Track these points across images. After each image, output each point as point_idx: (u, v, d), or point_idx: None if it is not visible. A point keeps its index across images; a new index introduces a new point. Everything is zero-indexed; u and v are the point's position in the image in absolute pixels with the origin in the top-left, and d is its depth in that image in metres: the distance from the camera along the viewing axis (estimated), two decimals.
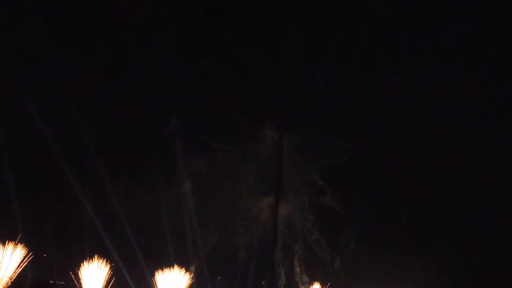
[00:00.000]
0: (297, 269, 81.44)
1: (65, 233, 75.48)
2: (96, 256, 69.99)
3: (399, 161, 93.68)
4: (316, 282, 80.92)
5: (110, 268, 70.17)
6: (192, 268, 77.24)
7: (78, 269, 70.53)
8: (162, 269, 72.08)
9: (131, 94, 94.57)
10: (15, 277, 63.29)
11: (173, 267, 72.05)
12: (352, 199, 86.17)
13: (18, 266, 62.23)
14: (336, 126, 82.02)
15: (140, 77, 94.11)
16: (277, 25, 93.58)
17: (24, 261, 62.91)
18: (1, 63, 73.30)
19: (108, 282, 71.32)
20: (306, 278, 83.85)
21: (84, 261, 70.40)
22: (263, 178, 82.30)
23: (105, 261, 70.32)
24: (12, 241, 61.17)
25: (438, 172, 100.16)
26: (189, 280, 72.97)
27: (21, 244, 61.99)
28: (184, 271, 71.87)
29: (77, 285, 71.27)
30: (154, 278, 72.82)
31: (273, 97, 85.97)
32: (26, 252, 62.62)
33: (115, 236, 72.37)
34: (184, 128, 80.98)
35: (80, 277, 70.59)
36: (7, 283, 61.75)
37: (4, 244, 61.15)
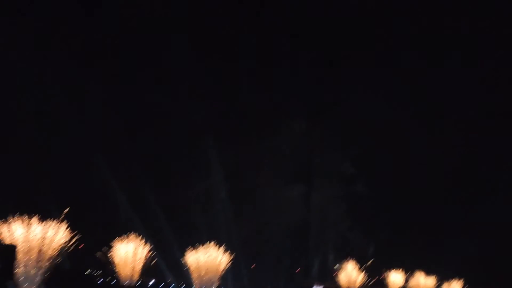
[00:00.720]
0: (331, 257, 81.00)
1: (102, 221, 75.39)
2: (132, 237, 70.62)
3: (434, 145, 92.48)
4: (351, 261, 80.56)
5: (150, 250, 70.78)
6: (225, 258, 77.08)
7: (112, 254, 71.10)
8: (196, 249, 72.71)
9: (161, 86, 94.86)
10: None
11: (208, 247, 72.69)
12: (385, 185, 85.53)
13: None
14: (366, 111, 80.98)
15: (166, 67, 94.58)
16: (303, 9, 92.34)
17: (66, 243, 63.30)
18: None
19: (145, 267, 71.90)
20: (339, 265, 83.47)
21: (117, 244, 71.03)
22: (294, 167, 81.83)
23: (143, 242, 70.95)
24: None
25: (475, 156, 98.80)
26: (227, 260, 73.35)
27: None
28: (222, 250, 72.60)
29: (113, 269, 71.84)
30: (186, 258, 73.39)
31: (302, 85, 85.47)
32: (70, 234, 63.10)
33: (150, 227, 72.43)
34: (215, 119, 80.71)
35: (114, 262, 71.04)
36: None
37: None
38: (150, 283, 77.00)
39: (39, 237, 63.23)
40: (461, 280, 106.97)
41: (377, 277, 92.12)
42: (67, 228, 65.71)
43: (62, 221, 64.57)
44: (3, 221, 61.36)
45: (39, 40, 76.25)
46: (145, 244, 71.74)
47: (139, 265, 71.85)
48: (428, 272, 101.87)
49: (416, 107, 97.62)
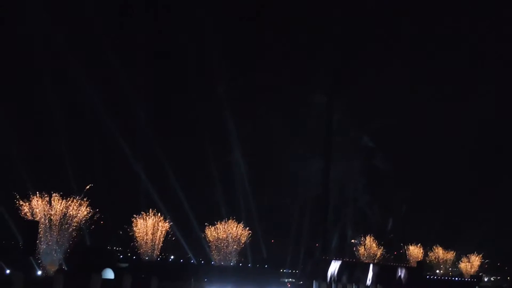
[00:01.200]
0: (349, 232, 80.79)
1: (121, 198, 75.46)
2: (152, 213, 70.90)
3: (453, 121, 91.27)
4: (369, 236, 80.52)
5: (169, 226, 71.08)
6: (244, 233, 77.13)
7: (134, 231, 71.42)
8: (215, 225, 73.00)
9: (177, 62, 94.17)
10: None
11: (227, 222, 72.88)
12: (404, 161, 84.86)
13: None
14: (385, 88, 79.85)
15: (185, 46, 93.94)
16: None
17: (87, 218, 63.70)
18: None
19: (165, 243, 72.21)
20: (358, 240, 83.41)
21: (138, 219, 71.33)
22: (314, 142, 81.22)
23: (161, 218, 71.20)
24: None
25: (494, 133, 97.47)
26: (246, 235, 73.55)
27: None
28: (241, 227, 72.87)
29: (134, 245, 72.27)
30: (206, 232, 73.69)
31: (322, 61, 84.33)
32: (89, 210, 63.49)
33: (170, 201, 72.44)
34: (234, 94, 79.98)
35: (135, 239, 71.40)
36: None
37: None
38: (170, 259, 77.19)
39: (60, 214, 63.62)
40: (480, 256, 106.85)
41: (395, 252, 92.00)
42: (88, 206, 66.16)
43: (83, 199, 65.03)
44: (25, 199, 61.92)
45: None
46: (165, 221, 72.04)
47: (159, 242, 72.21)
48: (446, 247, 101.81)
49: (437, 85, 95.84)
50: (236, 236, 73.46)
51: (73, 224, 64.92)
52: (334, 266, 69.85)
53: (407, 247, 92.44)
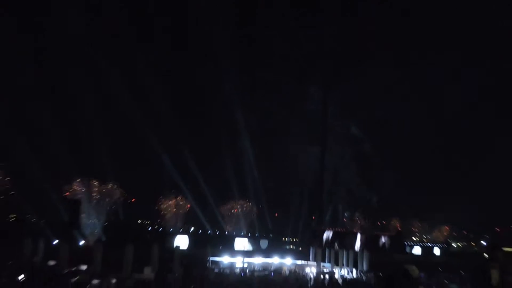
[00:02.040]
0: (340, 207, 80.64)
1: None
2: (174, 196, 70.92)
3: (429, 113, 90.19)
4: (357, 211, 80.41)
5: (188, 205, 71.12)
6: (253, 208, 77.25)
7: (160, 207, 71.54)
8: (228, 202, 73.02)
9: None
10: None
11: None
12: (387, 148, 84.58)
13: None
14: (374, 86, 78.88)
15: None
16: None
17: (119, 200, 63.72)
18: None
19: (184, 216, 72.35)
20: (346, 214, 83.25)
21: (164, 200, 71.41)
22: (312, 132, 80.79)
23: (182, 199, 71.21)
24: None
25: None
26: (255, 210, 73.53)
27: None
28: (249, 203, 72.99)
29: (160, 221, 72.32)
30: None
31: (319, 59, 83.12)
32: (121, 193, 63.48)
33: (191, 182, 72.40)
34: (238, 90, 79.20)
35: (162, 214, 71.47)
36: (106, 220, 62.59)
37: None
38: (191, 230, 77.23)
39: (98, 194, 63.77)
40: (448, 226, 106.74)
41: (379, 223, 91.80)
42: (121, 187, 66.31)
43: (117, 181, 65.25)
44: (70, 182, 62.20)
45: None
46: (186, 199, 72.17)
47: (181, 216, 72.31)
48: (421, 219, 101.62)
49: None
50: (245, 210, 73.62)
51: (109, 202, 65.07)
52: (327, 235, 69.75)
53: (388, 219, 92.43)
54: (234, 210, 74.07)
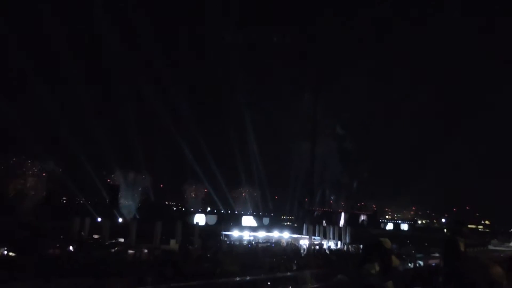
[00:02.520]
0: (327, 192, 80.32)
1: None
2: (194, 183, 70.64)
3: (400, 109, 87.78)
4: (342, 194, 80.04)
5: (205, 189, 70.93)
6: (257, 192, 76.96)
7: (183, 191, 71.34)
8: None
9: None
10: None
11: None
12: (365, 142, 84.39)
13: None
14: (355, 89, 77.52)
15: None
16: None
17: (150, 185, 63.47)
18: None
19: (202, 199, 72.15)
20: (332, 197, 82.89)
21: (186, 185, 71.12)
22: (304, 128, 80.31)
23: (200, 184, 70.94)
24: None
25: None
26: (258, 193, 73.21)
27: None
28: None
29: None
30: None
31: (309, 66, 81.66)
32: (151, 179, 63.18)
33: (207, 170, 71.91)
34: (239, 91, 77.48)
35: (184, 196, 71.29)
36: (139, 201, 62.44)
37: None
38: (208, 210, 77.08)
39: (132, 180, 63.51)
40: (414, 206, 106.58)
41: (359, 204, 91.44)
42: (151, 174, 66.14)
43: (148, 170, 65.09)
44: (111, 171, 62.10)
45: None
46: (204, 183, 71.89)
47: (199, 198, 72.17)
48: (393, 200, 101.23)
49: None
50: (251, 194, 73.40)
51: (141, 187, 64.85)
52: (317, 214, 69.54)
53: (366, 200, 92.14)
54: (243, 194, 73.91)
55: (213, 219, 59.66)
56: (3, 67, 59.19)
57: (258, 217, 69.09)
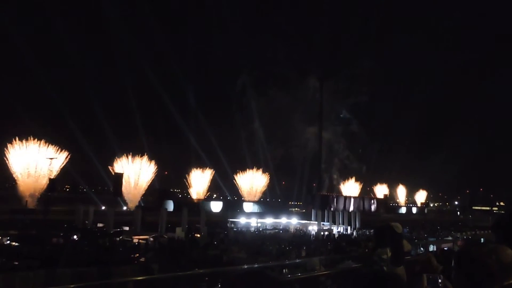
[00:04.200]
0: (335, 176, 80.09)
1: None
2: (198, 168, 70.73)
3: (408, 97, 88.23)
4: (350, 179, 79.58)
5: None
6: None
7: (188, 178, 71.47)
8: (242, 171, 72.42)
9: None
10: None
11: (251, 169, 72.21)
12: (372, 126, 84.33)
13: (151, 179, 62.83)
14: (361, 74, 76.97)
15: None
16: None
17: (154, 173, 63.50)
18: None
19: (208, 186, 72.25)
20: (341, 181, 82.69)
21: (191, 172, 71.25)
22: (312, 113, 79.72)
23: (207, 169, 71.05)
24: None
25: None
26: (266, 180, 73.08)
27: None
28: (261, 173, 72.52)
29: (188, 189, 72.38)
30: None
31: (316, 53, 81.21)
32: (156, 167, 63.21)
33: (213, 156, 72.24)
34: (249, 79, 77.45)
35: (189, 184, 71.41)
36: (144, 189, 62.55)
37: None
38: (214, 196, 77.55)
39: (137, 169, 63.60)
40: (426, 189, 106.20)
41: (368, 188, 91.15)
42: (156, 162, 66.24)
43: (153, 158, 65.14)
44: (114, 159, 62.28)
45: None
46: (209, 168, 72.00)
47: (205, 185, 72.24)
48: (404, 184, 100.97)
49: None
50: (258, 179, 73.25)
51: (146, 175, 64.90)
52: (326, 199, 69.62)
53: (376, 185, 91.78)
54: (250, 181, 73.65)
55: (218, 206, 59.78)
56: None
57: (264, 204, 69.49)
